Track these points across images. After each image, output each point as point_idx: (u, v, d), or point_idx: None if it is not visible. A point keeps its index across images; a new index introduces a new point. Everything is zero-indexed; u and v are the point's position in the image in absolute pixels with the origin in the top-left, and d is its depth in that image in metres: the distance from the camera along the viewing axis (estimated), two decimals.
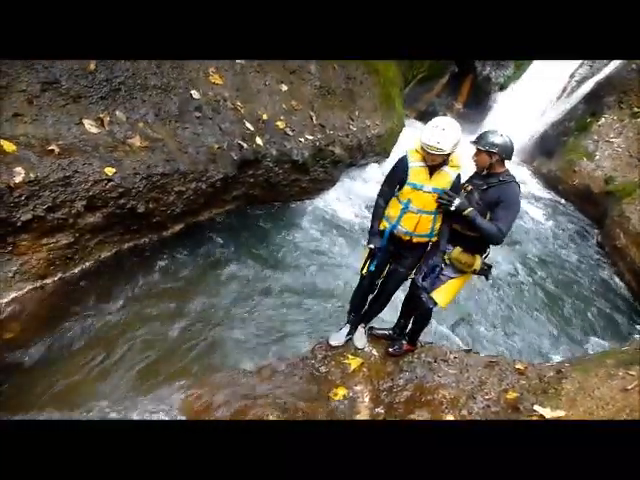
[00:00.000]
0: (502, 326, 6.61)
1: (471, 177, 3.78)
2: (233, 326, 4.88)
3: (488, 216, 3.53)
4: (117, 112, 5.06)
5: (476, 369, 4.18)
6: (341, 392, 4.00)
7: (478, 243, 3.66)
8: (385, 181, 3.84)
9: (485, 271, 3.79)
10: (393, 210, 3.75)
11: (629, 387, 3.36)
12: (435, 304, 3.89)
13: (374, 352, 4.39)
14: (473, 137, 3.66)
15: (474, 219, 3.47)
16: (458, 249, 3.71)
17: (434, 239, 3.82)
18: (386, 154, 9.89)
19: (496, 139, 3.51)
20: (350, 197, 8.64)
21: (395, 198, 3.74)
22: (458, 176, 3.63)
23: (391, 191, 3.79)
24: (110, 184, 4.68)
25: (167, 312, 4.78)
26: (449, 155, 3.52)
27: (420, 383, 4.05)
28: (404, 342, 4.35)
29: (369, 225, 3.92)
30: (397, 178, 3.72)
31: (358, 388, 4.07)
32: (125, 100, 5.18)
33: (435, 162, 3.53)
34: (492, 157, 3.52)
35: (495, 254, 8.37)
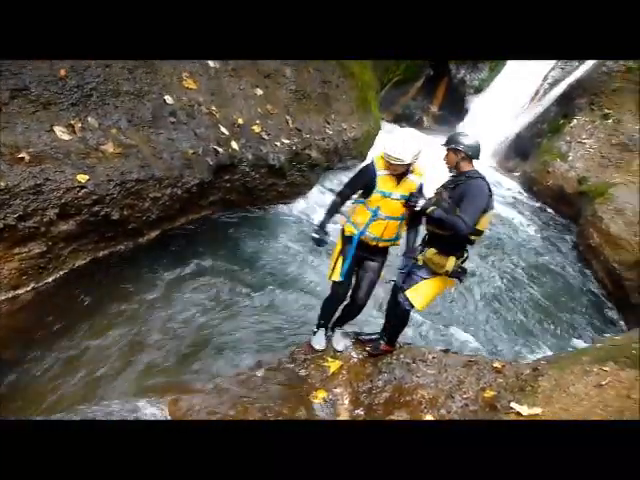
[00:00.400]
0: (480, 326, 6.67)
1: (445, 181, 3.89)
2: (208, 334, 4.82)
3: (457, 212, 3.58)
4: (89, 118, 4.99)
5: (454, 369, 4.20)
6: (321, 395, 3.99)
7: (451, 244, 3.71)
8: (349, 183, 3.97)
9: (459, 274, 3.84)
10: (361, 217, 3.82)
11: (603, 383, 3.41)
12: (412, 306, 3.93)
13: (353, 354, 4.39)
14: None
15: (438, 216, 3.58)
16: (432, 250, 3.78)
17: (397, 243, 4.00)
18: (363, 157, 9.93)
19: (462, 139, 3.68)
20: (327, 201, 8.64)
21: (362, 205, 3.82)
22: (421, 183, 3.81)
23: (352, 193, 3.93)
24: (83, 191, 4.62)
25: (142, 322, 4.70)
26: (410, 165, 3.65)
27: (399, 384, 4.06)
28: (382, 342, 4.36)
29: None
30: (361, 183, 3.85)
31: (338, 390, 4.07)
32: (97, 106, 5.11)
33: (397, 171, 3.66)
34: (457, 155, 3.67)
35: (473, 256, 8.47)
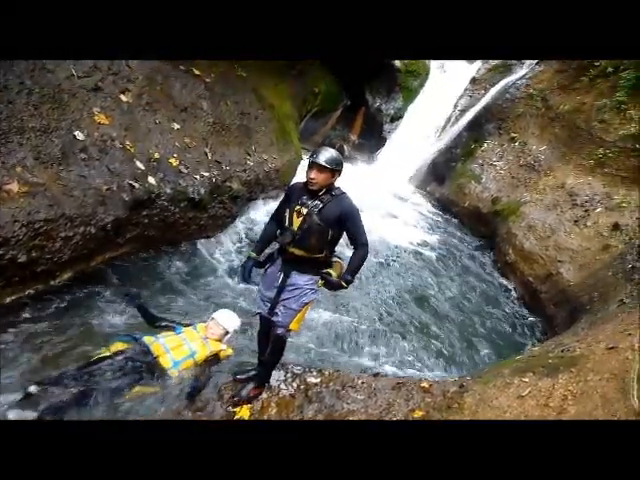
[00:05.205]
0: (408, 347, 6.76)
1: (299, 198, 3.60)
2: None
3: (330, 233, 3.53)
4: None
5: (384, 392, 4.22)
6: None
7: (312, 265, 3.71)
8: None
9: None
10: None
11: (524, 394, 3.52)
12: (289, 331, 3.91)
13: (282, 386, 4.31)
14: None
15: (352, 277, 3.65)
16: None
17: None
18: (286, 187, 9.94)
19: (336, 155, 3.49)
20: (250, 234, 8.60)
21: None
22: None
23: None
24: None
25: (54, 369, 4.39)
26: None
27: (329, 412, 4.01)
28: (251, 386, 4.19)
29: None
30: None
31: None
32: None
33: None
34: (335, 175, 3.54)
35: (394, 277, 8.66)
